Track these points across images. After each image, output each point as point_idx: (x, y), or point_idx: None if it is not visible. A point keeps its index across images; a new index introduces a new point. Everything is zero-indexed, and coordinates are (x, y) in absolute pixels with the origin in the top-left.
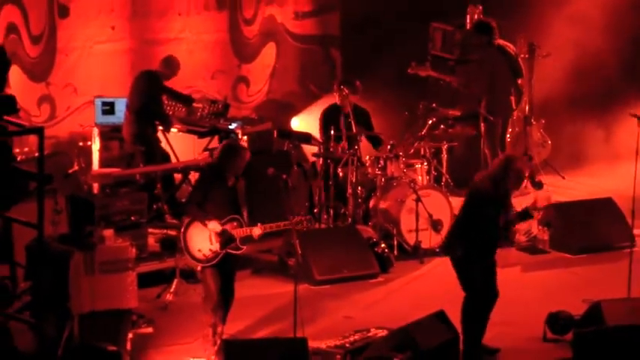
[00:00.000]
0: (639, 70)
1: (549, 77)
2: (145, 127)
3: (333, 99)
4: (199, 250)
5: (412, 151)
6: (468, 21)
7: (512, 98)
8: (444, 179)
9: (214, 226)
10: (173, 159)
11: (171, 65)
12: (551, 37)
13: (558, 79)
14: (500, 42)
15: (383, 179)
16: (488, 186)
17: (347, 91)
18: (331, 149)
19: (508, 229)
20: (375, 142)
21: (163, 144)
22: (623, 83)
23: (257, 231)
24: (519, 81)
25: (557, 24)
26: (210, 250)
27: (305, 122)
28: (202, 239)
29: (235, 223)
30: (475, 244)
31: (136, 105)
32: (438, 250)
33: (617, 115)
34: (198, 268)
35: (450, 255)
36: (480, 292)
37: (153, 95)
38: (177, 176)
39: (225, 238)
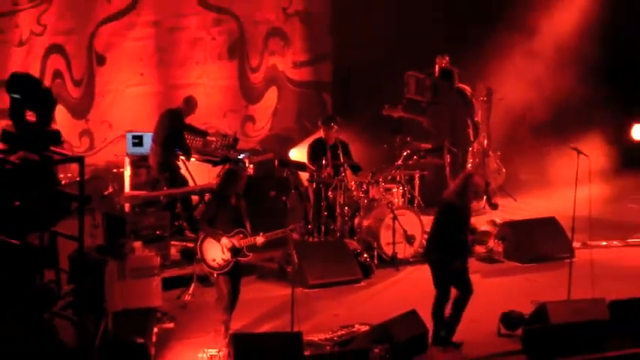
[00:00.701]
0: (578, 112)
1: (505, 116)
2: (168, 157)
3: (319, 134)
4: (214, 260)
5: (390, 177)
6: (436, 69)
7: (470, 131)
8: (416, 201)
9: (225, 241)
10: (191, 183)
11: (190, 105)
12: (506, 82)
13: (512, 118)
14: (460, 85)
15: (365, 201)
16: (454, 198)
17: (334, 126)
18: (323, 176)
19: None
20: (355, 169)
21: (183, 170)
22: (566, 121)
23: (260, 239)
24: (476, 117)
25: (511, 72)
26: (223, 259)
27: (301, 153)
28: (216, 251)
29: (241, 235)
30: (446, 249)
31: (161, 138)
32: (411, 259)
33: (561, 148)
34: (214, 275)
35: (427, 259)
36: (464, 287)
37: (175, 130)
38: (195, 198)
39: (234, 250)
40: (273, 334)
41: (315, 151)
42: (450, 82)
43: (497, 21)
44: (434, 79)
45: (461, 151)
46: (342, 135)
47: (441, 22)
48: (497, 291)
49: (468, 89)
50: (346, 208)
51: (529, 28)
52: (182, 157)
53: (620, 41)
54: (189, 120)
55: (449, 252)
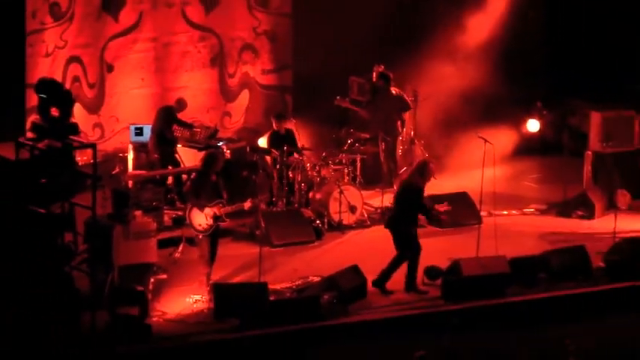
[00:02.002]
0: (486, 107)
1: (429, 112)
2: (162, 145)
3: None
4: (199, 225)
5: (337, 160)
6: (374, 75)
7: (399, 124)
8: (357, 179)
9: (208, 210)
10: (181, 165)
11: (181, 104)
12: (430, 85)
13: (435, 113)
14: (393, 88)
15: (318, 179)
16: (416, 179)
17: (284, 121)
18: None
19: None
20: (300, 150)
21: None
22: (477, 115)
23: (248, 204)
24: (404, 114)
25: (435, 76)
26: (206, 224)
27: (266, 141)
28: (201, 218)
29: (220, 205)
30: (407, 218)
31: (157, 129)
32: (354, 225)
33: (472, 137)
34: (199, 236)
35: (391, 227)
36: (412, 248)
37: (167, 123)
38: (184, 176)
39: (215, 217)
40: (245, 284)
41: (274, 141)
42: (386, 84)
43: (423, 31)
44: (372, 83)
45: (392, 140)
46: (301, 127)
47: (380, 36)
48: (422, 250)
49: (398, 90)
50: (303, 184)
51: (449, 37)
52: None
53: (526, 46)
54: (181, 116)
55: (408, 221)
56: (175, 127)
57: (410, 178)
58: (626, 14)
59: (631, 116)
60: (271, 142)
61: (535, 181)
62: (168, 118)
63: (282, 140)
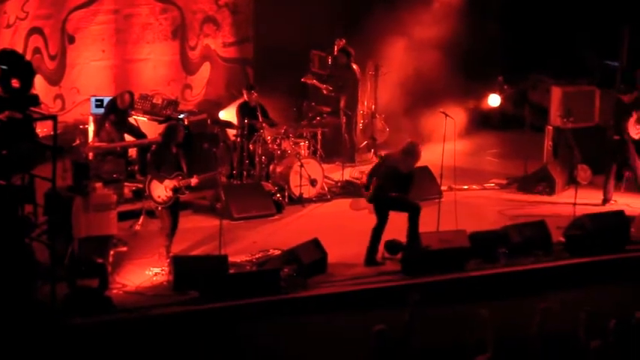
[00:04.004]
0: (448, 83)
1: (389, 86)
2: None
3: (243, 98)
4: (159, 197)
5: (298, 133)
6: (335, 49)
7: (358, 98)
8: (318, 152)
9: (168, 182)
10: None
11: (124, 100)
12: (391, 60)
13: (395, 87)
14: (353, 64)
15: (279, 152)
16: (405, 160)
17: (254, 93)
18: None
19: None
20: (272, 125)
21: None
22: (438, 90)
23: (194, 180)
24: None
25: (396, 51)
26: (166, 196)
27: (228, 114)
28: (160, 190)
29: (180, 177)
30: (398, 192)
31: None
32: (314, 199)
33: (434, 112)
34: (159, 208)
35: (380, 202)
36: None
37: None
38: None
39: (175, 189)
40: (205, 257)
41: (243, 112)
42: (347, 59)
43: (385, 7)
44: (334, 57)
45: (353, 114)
46: (262, 100)
47: (341, 10)
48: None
49: (357, 67)
50: (263, 157)
51: (410, 12)
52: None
53: (485, 25)
54: (141, 89)
55: (389, 190)
56: (135, 101)
57: (398, 161)
58: None
59: (591, 91)
60: (240, 112)
61: (495, 156)
62: (112, 110)
63: (252, 111)
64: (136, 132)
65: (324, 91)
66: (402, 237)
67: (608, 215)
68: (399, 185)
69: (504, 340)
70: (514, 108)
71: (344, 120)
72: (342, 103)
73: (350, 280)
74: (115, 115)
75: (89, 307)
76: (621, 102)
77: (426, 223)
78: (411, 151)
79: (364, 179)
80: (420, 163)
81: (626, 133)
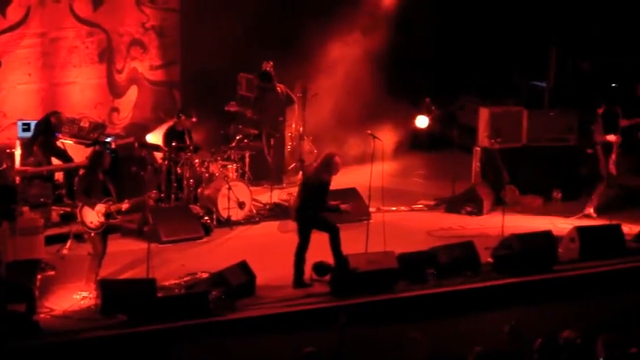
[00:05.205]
0: (376, 104)
1: (318, 108)
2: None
3: (172, 123)
4: (91, 222)
5: (226, 156)
6: None
7: (280, 120)
8: (246, 175)
9: (100, 207)
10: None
11: (59, 119)
12: (321, 81)
13: (324, 109)
14: (278, 85)
15: (207, 174)
16: (321, 173)
17: (184, 118)
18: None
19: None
20: (196, 149)
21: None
22: (367, 112)
23: (125, 205)
24: (288, 108)
25: (325, 73)
26: (99, 221)
27: (155, 137)
28: (92, 216)
29: (110, 202)
30: (316, 206)
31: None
32: (242, 221)
33: (362, 133)
34: (91, 234)
35: (300, 216)
36: (329, 226)
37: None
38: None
39: (107, 214)
40: (133, 280)
41: (170, 136)
42: (269, 82)
43: (313, 28)
44: (259, 80)
45: (280, 136)
46: (187, 123)
47: (271, 32)
48: (310, 245)
49: (282, 87)
50: (191, 180)
51: (339, 34)
52: (62, 140)
53: (415, 42)
54: (69, 111)
55: (316, 208)
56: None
57: (315, 173)
58: (514, 10)
59: (519, 112)
60: (168, 138)
61: (422, 177)
62: (44, 129)
63: (180, 135)
64: (63, 155)
65: (248, 115)
66: (331, 259)
67: (536, 235)
68: (316, 198)
69: None
70: (442, 129)
71: (271, 142)
72: (264, 126)
73: (278, 302)
74: (44, 137)
75: (17, 331)
76: (596, 115)
77: (355, 245)
78: (328, 163)
79: (292, 201)
80: (348, 185)
81: (597, 143)
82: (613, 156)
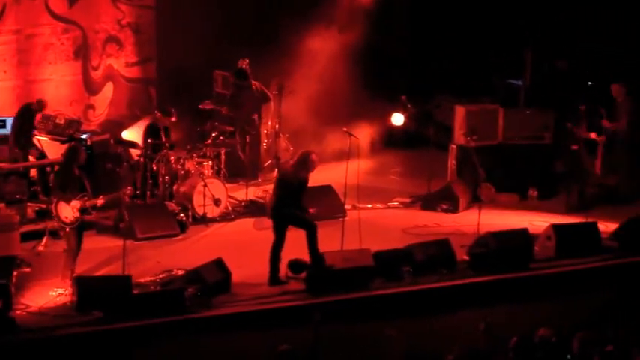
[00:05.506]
0: (353, 102)
1: (294, 105)
2: (23, 140)
3: (149, 120)
4: (66, 218)
5: (202, 153)
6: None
7: (255, 118)
8: (222, 172)
9: (75, 203)
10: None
11: (40, 104)
12: (297, 78)
13: (300, 106)
14: (254, 82)
15: (182, 172)
16: (298, 171)
17: (159, 115)
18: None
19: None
20: (171, 147)
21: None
22: (343, 110)
23: (100, 201)
24: (264, 105)
25: (301, 70)
26: (74, 217)
27: (131, 134)
28: (68, 211)
29: (86, 198)
30: (293, 204)
31: (17, 125)
32: (218, 218)
33: (337, 131)
34: (66, 229)
35: (276, 214)
36: (307, 223)
37: (28, 123)
38: (48, 169)
39: (82, 210)
40: (109, 277)
41: (151, 133)
42: (244, 80)
43: (289, 26)
44: (235, 78)
45: (256, 133)
46: (166, 122)
47: (247, 29)
48: (285, 243)
49: (257, 84)
50: (167, 177)
51: (315, 31)
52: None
53: (391, 40)
54: (45, 109)
55: (289, 206)
56: (37, 121)
57: (292, 171)
58: (491, 8)
59: (495, 110)
60: (148, 135)
61: (398, 175)
62: (28, 115)
63: (157, 132)
64: (39, 152)
65: (223, 112)
66: (306, 256)
67: (512, 233)
68: (293, 196)
69: (412, 358)
70: (418, 127)
71: (247, 140)
72: (239, 123)
73: (254, 299)
74: (29, 125)
75: None
76: (580, 112)
77: (331, 242)
78: (305, 161)
79: (268, 198)
80: (324, 182)
81: (581, 141)
82: (599, 155)
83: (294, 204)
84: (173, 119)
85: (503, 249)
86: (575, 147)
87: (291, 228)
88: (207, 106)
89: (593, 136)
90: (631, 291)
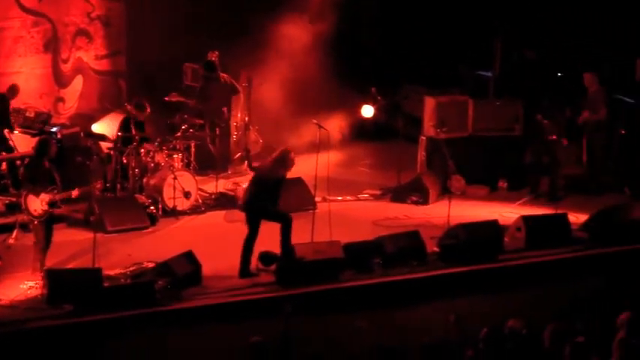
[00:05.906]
0: (322, 93)
1: (264, 98)
2: None
3: (120, 113)
4: (35, 210)
5: (172, 146)
6: None
7: (225, 110)
8: (192, 165)
9: (44, 196)
10: (15, 150)
11: (13, 90)
12: (266, 71)
13: (270, 99)
14: (222, 75)
15: (152, 164)
16: (276, 169)
17: (130, 108)
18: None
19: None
20: (147, 140)
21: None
22: (313, 101)
23: (75, 193)
24: (233, 98)
25: (271, 62)
26: (42, 209)
27: (101, 127)
28: (37, 204)
29: (55, 191)
30: (269, 200)
31: None
32: (188, 211)
33: (308, 123)
34: (35, 222)
35: (251, 209)
36: (282, 216)
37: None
38: (18, 162)
39: (51, 203)
40: (79, 270)
41: (125, 127)
42: (212, 72)
43: (258, 18)
44: (204, 70)
45: (225, 126)
46: (140, 116)
47: (217, 22)
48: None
49: (226, 76)
50: (137, 170)
51: (284, 24)
52: (7, 130)
53: (360, 31)
54: (14, 102)
55: (268, 201)
56: (8, 113)
57: (270, 168)
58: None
59: (465, 101)
60: (121, 127)
61: (368, 167)
62: (1, 105)
63: (129, 125)
64: (6, 145)
65: (192, 104)
66: (276, 248)
67: (482, 225)
68: (270, 193)
69: (383, 351)
70: (387, 118)
71: (209, 132)
72: (209, 116)
73: (224, 291)
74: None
75: None
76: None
77: (301, 235)
78: (283, 159)
79: (239, 191)
80: (293, 174)
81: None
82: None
83: (270, 200)
84: (147, 111)
85: (473, 240)
86: (553, 137)
87: (264, 221)
88: (173, 99)
89: (554, 137)
90: (601, 282)
